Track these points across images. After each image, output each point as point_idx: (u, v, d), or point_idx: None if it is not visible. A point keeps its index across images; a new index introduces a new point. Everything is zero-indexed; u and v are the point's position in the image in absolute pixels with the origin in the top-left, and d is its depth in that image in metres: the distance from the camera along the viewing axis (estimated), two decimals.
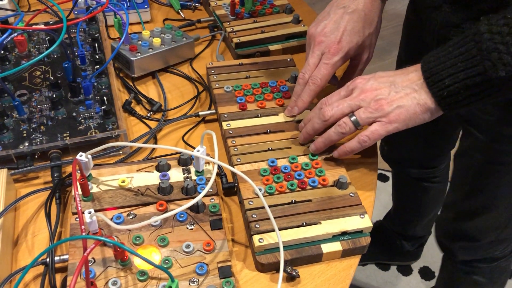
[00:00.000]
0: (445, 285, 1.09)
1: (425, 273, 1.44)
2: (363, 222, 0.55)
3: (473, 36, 0.51)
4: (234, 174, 0.61)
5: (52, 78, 0.68)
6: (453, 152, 0.93)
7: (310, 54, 0.65)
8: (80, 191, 0.55)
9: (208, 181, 0.58)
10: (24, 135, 0.62)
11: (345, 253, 0.55)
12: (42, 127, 0.63)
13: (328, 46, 0.63)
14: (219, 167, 0.62)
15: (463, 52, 0.52)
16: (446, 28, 0.65)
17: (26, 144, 0.61)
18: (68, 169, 0.63)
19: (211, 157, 0.62)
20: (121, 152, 0.64)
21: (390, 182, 1.60)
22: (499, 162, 0.76)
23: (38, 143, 0.61)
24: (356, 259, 0.56)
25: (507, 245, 0.92)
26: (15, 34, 0.64)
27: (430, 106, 0.55)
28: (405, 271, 1.44)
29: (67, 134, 0.63)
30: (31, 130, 0.63)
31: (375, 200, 0.63)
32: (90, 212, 0.49)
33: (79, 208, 0.46)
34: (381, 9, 0.67)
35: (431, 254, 1.46)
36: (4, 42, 0.64)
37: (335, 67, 0.64)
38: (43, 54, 0.55)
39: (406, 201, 1.24)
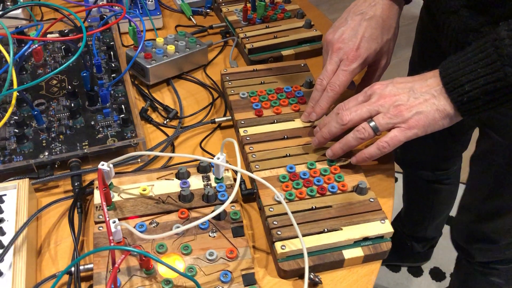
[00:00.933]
0: (461, 285, 1.09)
1: (436, 274, 1.44)
2: (384, 228, 0.55)
3: (493, 41, 0.51)
4: (252, 181, 0.61)
5: (69, 87, 0.69)
6: (466, 154, 0.93)
7: (328, 61, 0.65)
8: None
9: (228, 188, 0.59)
10: (44, 144, 0.63)
11: (367, 259, 0.55)
12: (61, 136, 0.64)
13: (347, 53, 0.63)
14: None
15: (483, 58, 0.52)
16: (464, 33, 0.64)
17: (46, 153, 0.61)
18: (88, 177, 0.63)
19: (230, 164, 0.63)
20: (139, 160, 0.65)
21: (399, 183, 1.60)
22: None
23: (58, 152, 0.62)
24: (377, 264, 0.56)
25: None
26: (36, 46, 0.64)
27: (449, 111, 0.55)
28: (416, 272, 1.45)
29: (86, 143, 0.63)
30: (50, 139, 0.63)
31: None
32: (114, 222, 0.50)
33: (107, 219, 0.47)
34: (398, 14, 0.67)
35: (442, 255, 1.46)
36: (25, 54, 0.64)
37: (354, 73, 0.64)
38: (65, 65, 0.56)
39: (417, 203, 1.24)
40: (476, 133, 0.87)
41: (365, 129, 0.58)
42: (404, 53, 2.39)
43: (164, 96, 0.76)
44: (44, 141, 0.63)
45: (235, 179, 0.61)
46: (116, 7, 0.71)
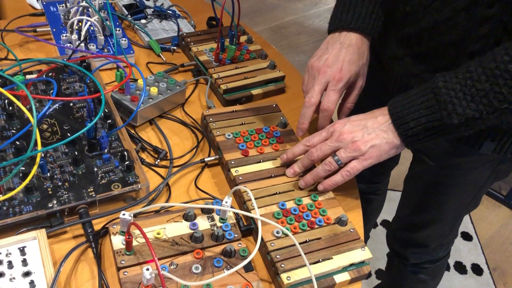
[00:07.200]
0: (393, 283, 1.26)
1: None
2: (365, 254, 0.67)
3: (432, 89, 0.66)
4: (248, 217, 0.69)
5: (69, 134, 0.71)
6: (396, 172, 1.09)
7: (315, 82, 0.76)
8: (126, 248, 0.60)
9: (232, 226, 0.67)
10: (50, 192, 0.65)
11: (352, 281, 0.67)
12: (66, 183, 0.67)
13: (333, 75, 0.75)
14: (236, 213, 0.71)
15: (424, 101, 0.66)
16: (407, 77, 0.80)
17: (55, 202, 0.64)
18: (95, 221, 0.67)
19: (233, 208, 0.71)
20: (138, 200, 0.70)
21: None
22: (445, 184, 0.93)
23: (66, 200, 0.65)
24: (359, 284, 0.68)
25: (447, 247, 1.11)
26: (56, 106, 0.66)
27: (396, 143, 0.69)
28: None
29: (92, 189, 0.67)
30: (55, 187, 0.66)
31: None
32: (148, 269, 0.55)
33: (161, 273, 0.52)
34: (368, 44, 0.80)
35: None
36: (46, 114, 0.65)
37: (341, 92, 0.77)
38: (88, 126, 0.59)
39: None
40: (406, 154, 1.03)
41: (331, 163, 0.71)
42: None
43: (150, 136, 0.81)
44: (49, 189, 0.66)
45: (236, 218, 0.69)
46: (123, 65, 0.75)
